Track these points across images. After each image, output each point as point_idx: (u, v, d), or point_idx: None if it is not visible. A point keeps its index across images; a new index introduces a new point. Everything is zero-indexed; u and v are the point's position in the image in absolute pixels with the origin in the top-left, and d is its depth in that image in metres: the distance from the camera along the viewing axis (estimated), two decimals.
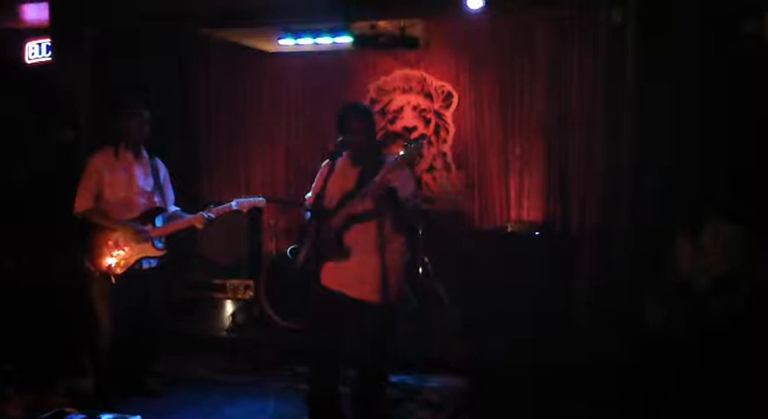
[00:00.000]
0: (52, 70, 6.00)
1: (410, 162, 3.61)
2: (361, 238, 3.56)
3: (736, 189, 4.81)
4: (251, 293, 6.42)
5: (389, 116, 6.98)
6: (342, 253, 3.58)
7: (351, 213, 3.55)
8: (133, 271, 4.30)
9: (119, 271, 4.26)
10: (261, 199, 4.66)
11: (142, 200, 4.39)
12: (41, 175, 5.58)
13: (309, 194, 3.86)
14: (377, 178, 3.42)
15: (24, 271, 5.30)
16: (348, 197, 3.57)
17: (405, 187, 3.57)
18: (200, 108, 7.34)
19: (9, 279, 5.24)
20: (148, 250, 4.35)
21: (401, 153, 3.42)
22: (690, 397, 4.15)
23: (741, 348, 4.26)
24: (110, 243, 4.28)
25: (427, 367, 4.94)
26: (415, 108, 6.93)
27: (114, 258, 4.27)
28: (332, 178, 3.67)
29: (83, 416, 3.71)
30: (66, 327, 5.01)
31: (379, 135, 6.64)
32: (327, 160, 3.72)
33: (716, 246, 4.57)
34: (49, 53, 6.36)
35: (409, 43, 6.36)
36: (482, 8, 5.46)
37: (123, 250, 4.29)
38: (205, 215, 4.44)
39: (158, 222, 4.43)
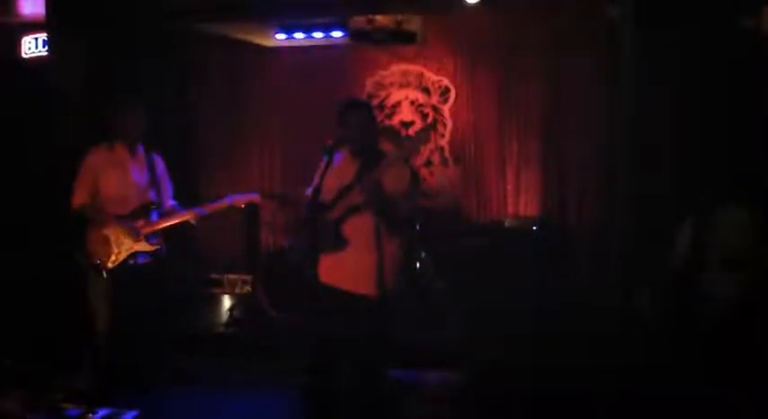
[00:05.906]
0: (48, 65, 5.98)
1: (407, 157, 3.59)
2: (358, 233, 3.55)
3: (736, 190, 4.80)
4: (248, 288, 6.43)
5: (387, 111, 6.97)
6: (338, 244, 3.58)
7: (349, 205, 3.54)
8: (127, 267, 4.30)
9: (110, 266, 4.27)
10: (255, 195, 4.67)
11: (137, 196, 4.39)
12: (38, 171, 5.55)
13: (310, 189, 3.86)
14: (374, 173, 3.41)
15: (22, 268, 5.28)
16: (347, 189, 3.57)
17: (397, 186, 3.54)
18: (197, 102, 7.32)
19: (7, 275, 5.22)
20: (142, 245, 4.35)
21: (398, 147, 3.40)
22: (691, 396, 4.15)
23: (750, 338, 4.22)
24: (103, 238, 4.28)
25: (425, 362, 4.94)
26: (412, 103, 6.92)
27: (107, 253, 4.28)
28: (329, 172, 3.66)
29: (80, 412, 3.72)
30: (63, 323, 5.00)
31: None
32: (325, 155, 3.71)
33: (723, 230, 4.49)
34: (46, 48, 6.33)
35: (407, 38, 6.34)
36: (479, 3, 5.46)
37: (116, 245, 4.29)
38: (198, 211, 4.45)
39: (153, 217, 4.43)
